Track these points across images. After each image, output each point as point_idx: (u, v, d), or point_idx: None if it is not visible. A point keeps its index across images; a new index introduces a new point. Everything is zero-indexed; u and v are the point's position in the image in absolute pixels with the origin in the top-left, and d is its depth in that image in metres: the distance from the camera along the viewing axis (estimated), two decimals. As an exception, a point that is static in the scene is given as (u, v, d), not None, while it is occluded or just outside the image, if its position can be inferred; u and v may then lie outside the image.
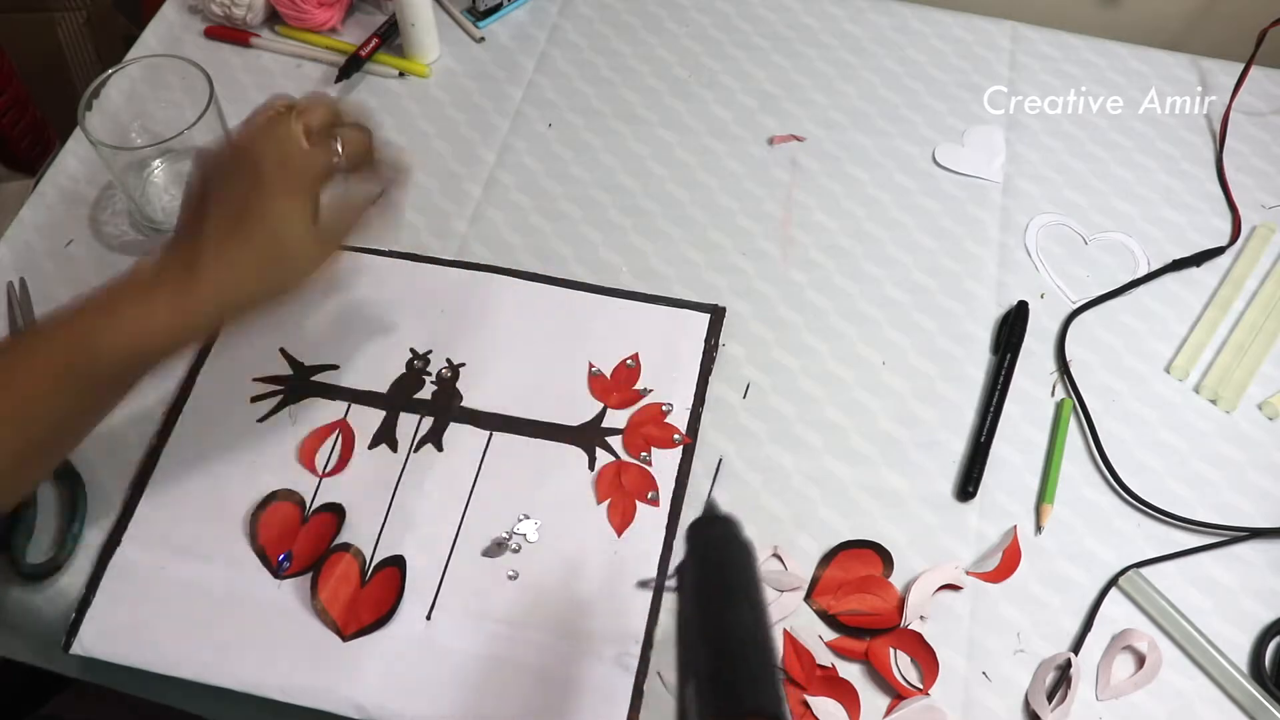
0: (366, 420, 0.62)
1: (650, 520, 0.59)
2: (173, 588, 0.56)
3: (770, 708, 0.38)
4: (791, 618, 0.56)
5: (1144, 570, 0.58)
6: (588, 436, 0.61)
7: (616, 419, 0.62)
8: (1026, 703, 0.54)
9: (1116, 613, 0.57)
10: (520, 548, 0.58)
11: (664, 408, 0.63)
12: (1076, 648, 0.56)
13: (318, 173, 0.50)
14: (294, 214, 0.49)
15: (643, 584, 0.53)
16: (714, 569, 0.43)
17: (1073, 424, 0.63)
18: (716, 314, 0.66)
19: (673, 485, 0.60)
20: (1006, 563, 0.58)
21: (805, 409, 0.64)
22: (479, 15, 0.82)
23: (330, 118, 0.51)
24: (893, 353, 0.66)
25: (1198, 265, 0.70)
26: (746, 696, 0.38)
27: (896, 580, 0.58)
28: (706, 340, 0.65)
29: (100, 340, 0.46)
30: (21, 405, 0.46)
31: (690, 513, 0.59)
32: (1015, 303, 0.68)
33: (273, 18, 0.81)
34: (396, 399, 0.63)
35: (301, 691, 0.53)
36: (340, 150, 0.50)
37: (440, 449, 0.61)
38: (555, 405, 0.62)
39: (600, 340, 0.65)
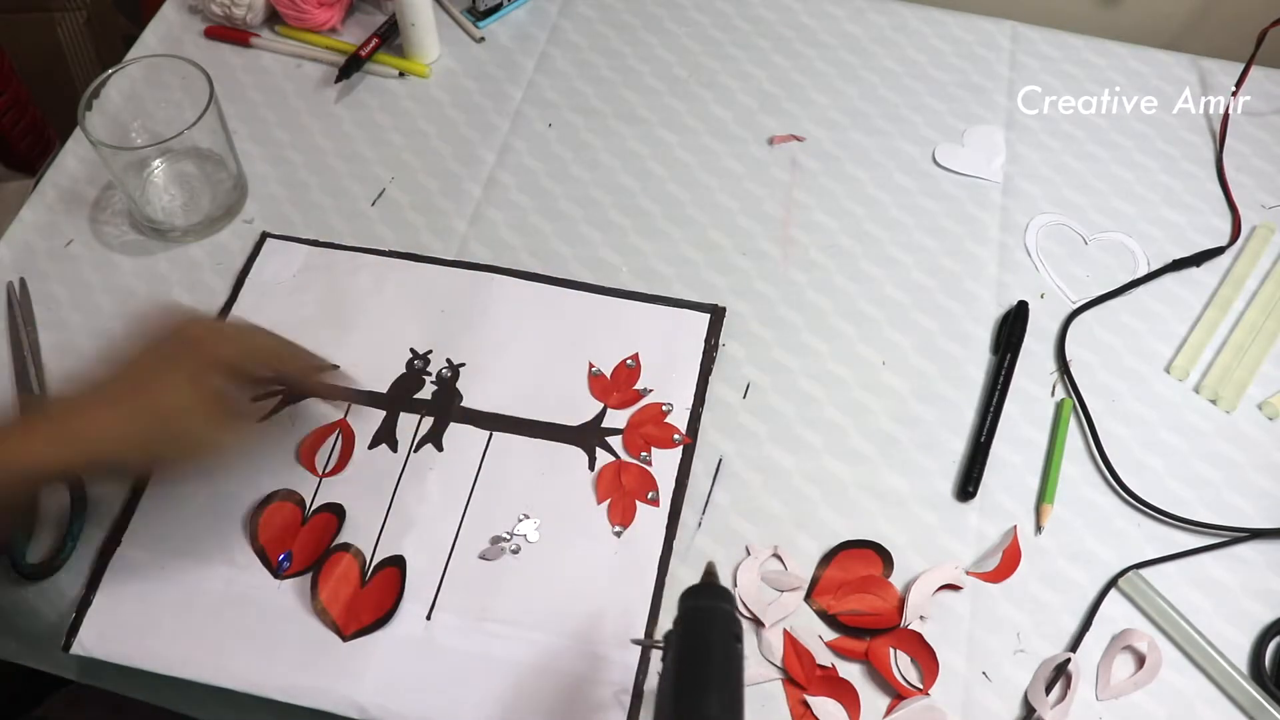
0: (366, 420, 0.62)
1: (650, 520, 0.59)
2: (173, 588, 0.56)
3: None
4: (791, 618, 0.56)
5: (1144, 570, 0.58)
6: (588, 436, 0.61)
7: (616, 419, 0.62)
8: (1026, 702, 0.54)
9: (1116, 613, 0.57)
10: (520, 548, 0.58)
11: (664, 408, 0.63)
12: (1075, 647, 0.56)
13: (221, 359, 0.52)
14: (183, 388, 0.51)
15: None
16: (693, 651, 0.43)
17: (1073, 424, 0.63)
18: (716, 314, 0.66)
19: (673, 485, 0.60)
20: (1006, 563, 0.58)
21: (805, 409, 0.64)
22: (479, 15, 0.82)
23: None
24: (893, 353, 0.66)
25: (1198, 265, 0.70)
26: None
27: (896, 580, 0.58)
28: (706, 340, 0.65)
29: None
30: None
31: (690, 513, 0.59)
32: (1015, 303, 0.68)
33: (273, 18, 0.81)
34: (396, 399, 0.63)
35: (301, 691, 0.53)
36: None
37: (440, 449, 0.61)
38: (555, 405, 0.62)
39: (600, 340, 0.65)
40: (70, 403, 0.51)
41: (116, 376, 0.51)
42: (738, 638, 0.44)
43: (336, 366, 0.61)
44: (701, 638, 0.44)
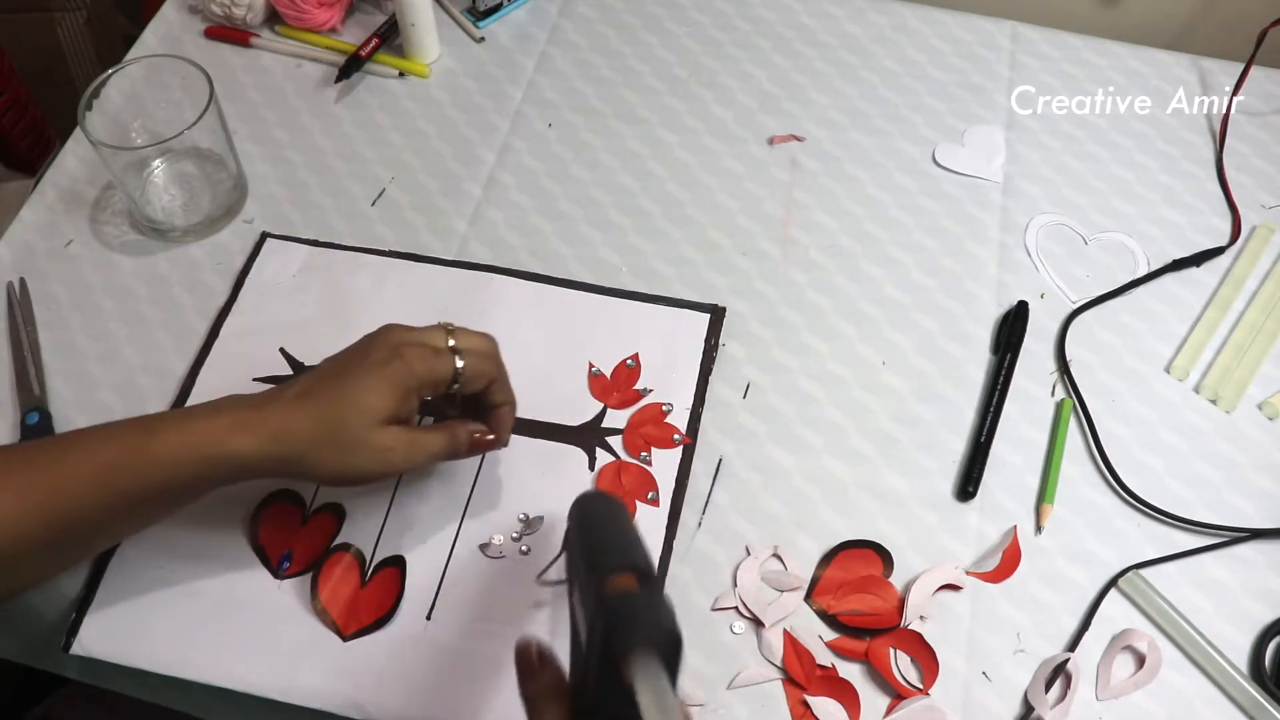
0: (366, 420, 0.62)
1: (650, 520, 0.59)
2: (173, 588, 0.56)
3: (634, 563, 0.41)
4: (791, 618, 0.56)
5: (1144, 570, 0.58)
6: (588, 436, 0.61)
7: (616, 419, 0.62)
8: (1026, 702, 0.54)
9: (1116, 613, 0.57)
10: (520, 548, 0.58)
11: (664, 408, 0.63)
12: (1075, 647, 0.56)
13: (424, 375, 0.50)
14: (372, 400, 0.49)
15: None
16: (587, 515, 0.46)
17: (1073, 424, 0.63)
18: (716, 314, 0.66)
19: (673, 485, 0.60)
20: (1006, 563, 0.58)
21: (805, 409, 0.64)
22: (479, 15, 0.82)
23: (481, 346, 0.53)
24: (893, 353, 0.66)
25: (1198, 265, 0.70)
26: (613, 560, 0.41)
27: (896, 580, 0.58)
28: (706, 340, 0.65)
29: (149, 442, 0.47)
30: (57, 498, 0.46)
31: (690, 513, 0.59)
32: (1015, 303, 0.68)
33: (273, 18, 0.81)
34: (396, 399, 0.62)
35: (301, 692, 0.53)
36: (460, 367, 0.51)
37: (440, 449, 0.61)
38: (555, 405, 0.62)
39: (600, 340, 0.65)
40: (267, 394, 0.50)
41: (318, 371, 0.50)
42: (623, 507, 0.47)
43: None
44: (589, 509, 0.46)
